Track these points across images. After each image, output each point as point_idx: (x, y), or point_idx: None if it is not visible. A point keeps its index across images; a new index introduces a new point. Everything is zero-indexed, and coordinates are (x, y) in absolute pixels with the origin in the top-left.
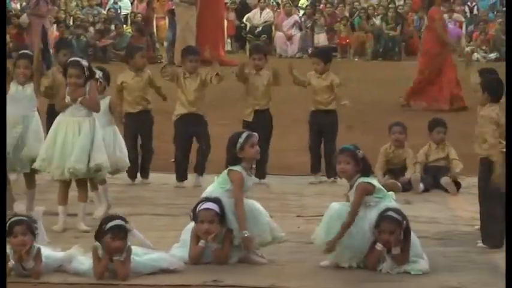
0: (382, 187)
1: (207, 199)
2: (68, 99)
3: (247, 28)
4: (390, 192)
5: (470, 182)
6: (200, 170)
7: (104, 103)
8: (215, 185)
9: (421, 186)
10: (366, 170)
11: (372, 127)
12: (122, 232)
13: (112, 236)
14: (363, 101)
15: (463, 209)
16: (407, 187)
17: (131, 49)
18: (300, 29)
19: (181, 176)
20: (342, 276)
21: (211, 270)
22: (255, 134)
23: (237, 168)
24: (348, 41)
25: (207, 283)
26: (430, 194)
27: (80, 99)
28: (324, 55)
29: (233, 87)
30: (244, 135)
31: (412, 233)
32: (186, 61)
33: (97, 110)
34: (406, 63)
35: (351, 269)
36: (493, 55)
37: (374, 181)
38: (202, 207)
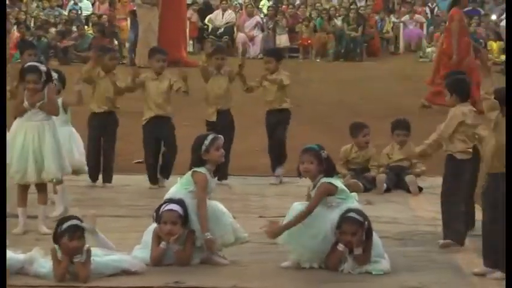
0: (345, 188)
1: (171, 200)
2: (26, 104)
3: (209, 29)
4: (353, 193)
5: (432, 183)
6: (166, 173)
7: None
8: (178, 186)
9: (384, 185)
10: (330, 170)
11: (333, 127)
12: (78, 231)
13: (69, 236)
14: (324, 101)
15: (424, 209)
16: (369, 187)
17: (101, 51)
18: (262, 30)
19: (155, 180)
20: (303, 276)
21: (173, 272)
22: (221, 136)
23: (202, 169)
24: (309, 41)
25: (168, 284)
26: (392, 194)
27: (38, 104)
28: (276, 54)
29: (195, 89)
30: (210, 137)
31: (373, 233)
32: (153, 61)
33: (56, 114)
34: (367, 63)
35: (313, 269)
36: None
37: (337, 182)
38: (165, 209)
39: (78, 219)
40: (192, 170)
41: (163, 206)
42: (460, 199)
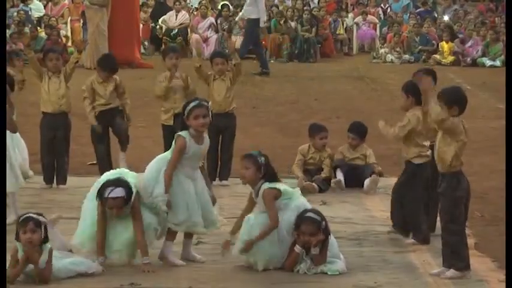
0: (287, 188)
1: (116, 183)
2: None
3: (163, 30)
4: (296, 189)
5: (386, 183)
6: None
7: None
8: (168, 152)
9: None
10: (270, 176)
11: (289, 127)
12: (30, 222)
13: (22, 229)
14: (279, 102)
15: (379, 209)
16: (323, 188)
17: (45, 50)
18: (216, 31)
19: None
20: (259, 277)
21: (129, 273)
22: (204, 104)
23: (184, 133)
24: (264, 42)
25: (124, 286)
26: (347, 194)
27: None
28: (225, 55)
29: (150, 90)
30: (191, 105)
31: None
32: (99, 71)
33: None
34: (321, 64)
35: (268, 270)
36: (406, 57)
37: (278, 185)
38: (110, 196)
39: (37, 213)
40: (177, 134)
41: (108, 190)
42: (411, 199)
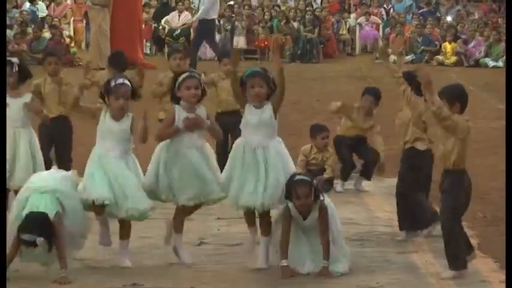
0: None
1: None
2: None
3: (166, 31)
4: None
5: (389, 183)
6: None
7: (23, 102)
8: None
9: (340, 188)
10: (273, 90)
11: (291, 127)
12: (31, 245)
13: (24, 244)
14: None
15: (382, 209)
16: (326, 188)
17: (44, 54)
18: (219, 32)
19: None
20: (261, 278)
21: (131, 274)
22: (196, 76)
23: (176, 106)
24: (266, 43)
25: (126, 286)
26: (349, 195)
27: None
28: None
29: (147, 90)
30: (184, 75)
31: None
32: (109, 68)
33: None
34: (323, 65)
35: (271, 270)
36: (409, 57)
37: None
38: (117, 82)
39: (39, 230)
40: None
41: (113, 80)
42: (415, 191)
